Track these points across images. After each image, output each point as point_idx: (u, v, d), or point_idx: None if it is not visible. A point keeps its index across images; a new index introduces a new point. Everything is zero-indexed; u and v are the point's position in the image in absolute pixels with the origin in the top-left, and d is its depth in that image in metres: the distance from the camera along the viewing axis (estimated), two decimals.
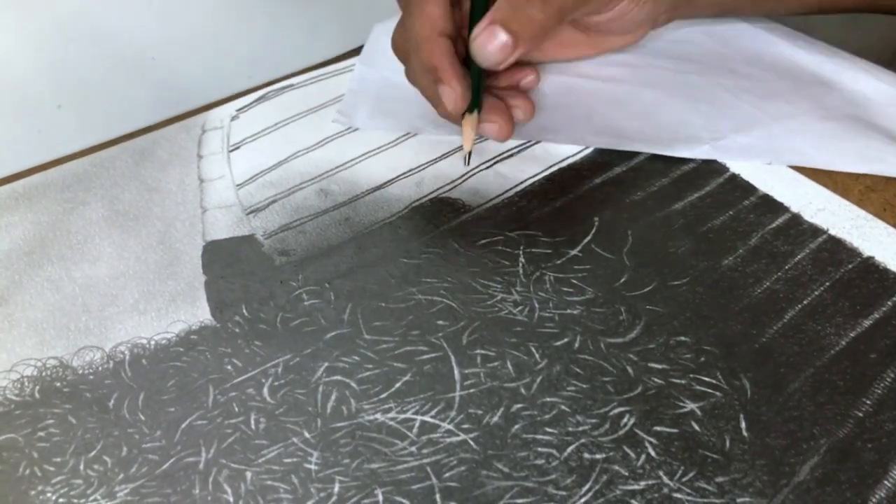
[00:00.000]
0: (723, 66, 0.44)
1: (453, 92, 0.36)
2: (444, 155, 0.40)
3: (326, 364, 0.31)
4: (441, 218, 0.37)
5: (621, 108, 0.42)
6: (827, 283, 0.33)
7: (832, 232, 0.35)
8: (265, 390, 0.30)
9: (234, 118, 0.44)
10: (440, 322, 0.32)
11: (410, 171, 0.40)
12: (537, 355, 0.31)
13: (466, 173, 0.39)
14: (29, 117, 0.44)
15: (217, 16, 0.48)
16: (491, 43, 0.34)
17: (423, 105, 0.39)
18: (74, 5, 0.43)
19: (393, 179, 0.39)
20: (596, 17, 0.39)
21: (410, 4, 0.37)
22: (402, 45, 0.38)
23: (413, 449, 0.28)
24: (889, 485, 0.26)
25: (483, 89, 0.37)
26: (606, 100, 0.43)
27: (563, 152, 0.40)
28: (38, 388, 0.31)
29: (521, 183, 0.39)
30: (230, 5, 0.48)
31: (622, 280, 0.33)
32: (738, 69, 0.44)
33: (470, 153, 0.38)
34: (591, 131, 0.41)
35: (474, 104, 0.37)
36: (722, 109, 0.42)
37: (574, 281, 0.33)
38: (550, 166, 0.39)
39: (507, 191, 0.38)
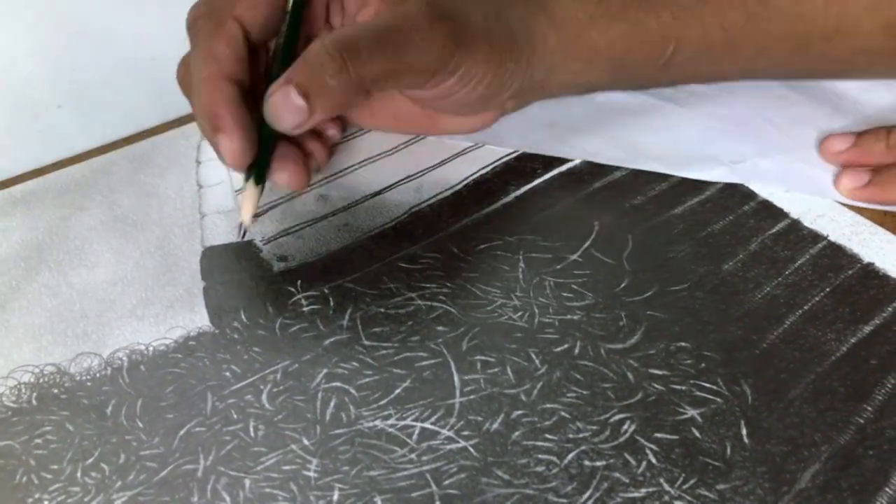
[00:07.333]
0: (757, 86, 0.42)
1: (231, 145, 0.31)
2: (443, 161, 0.40)
3: (325, 370, 0.31)
4: (440, 223, 0.37)
5: (640, 119, 0.41)
6: (827, 289, 0.33)
7: (832, 238, 0.35)
8: (264, 397, 0.30)
9: None
10: (440, 328, 0.32)
11: (409, 176, 0.40)
12: (537, 361, 0.30)
13: (467, 177, 0.39)
14: (29, 118, 0.44)
15: None
16: (285, 106, 0.29)
17: None
18: (75, 6, 0.43)
19: (392, 185, 0.39)
20: (420, 93, 0.34)
21: (197, 37, 0.32)
22: (184, 79, 0.34)
23: (413, 456, 0.28)
24: (891, 492, 0.26)
25: (273, 151, 0.33)
26: (623, 110, 0.41)
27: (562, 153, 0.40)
28: (35, 394, 0.31)
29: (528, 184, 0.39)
30: None
31: (622, 285, 0.33)
32: (773, 90, 0.42)
33: (245, 229, 0.32)
34: (604, 142, 0.40)
35: (261, 168, 0.32)
36: (747, 131, 0.40)
37: (574, 286, 0.33)
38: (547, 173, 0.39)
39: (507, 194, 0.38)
